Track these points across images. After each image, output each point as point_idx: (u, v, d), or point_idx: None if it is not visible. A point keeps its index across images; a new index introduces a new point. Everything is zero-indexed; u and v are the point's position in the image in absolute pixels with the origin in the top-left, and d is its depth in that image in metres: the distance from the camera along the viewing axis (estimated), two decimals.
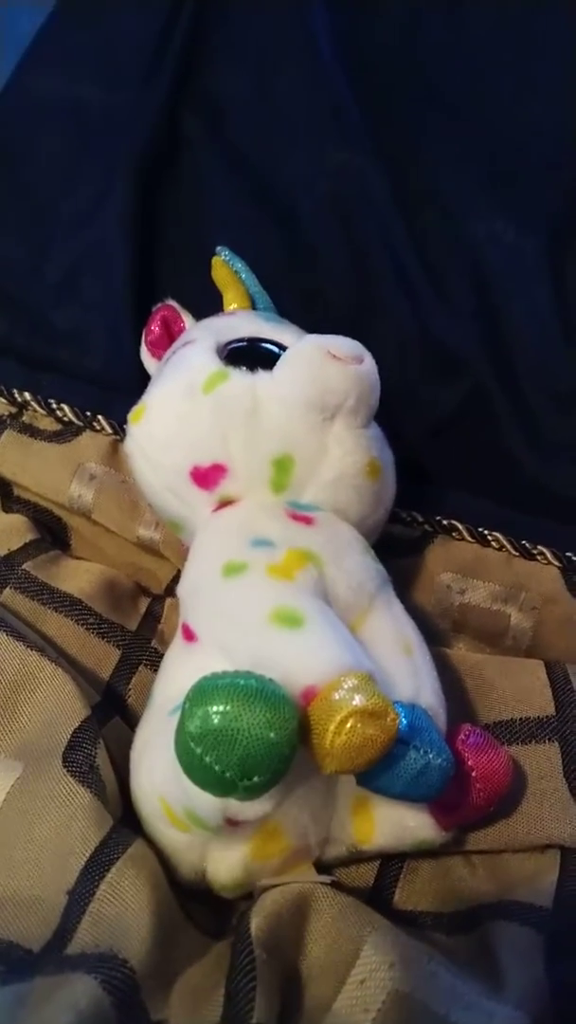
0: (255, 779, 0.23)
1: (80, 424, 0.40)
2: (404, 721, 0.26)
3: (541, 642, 0.38)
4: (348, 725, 0.24)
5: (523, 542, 0.38)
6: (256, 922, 0.25)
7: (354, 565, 0.31)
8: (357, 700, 0.24)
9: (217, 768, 0.23)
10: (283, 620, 0.26)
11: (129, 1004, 0.23)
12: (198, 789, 0.24)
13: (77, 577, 0.37)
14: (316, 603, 0.27)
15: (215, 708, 0.23)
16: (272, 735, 0.23)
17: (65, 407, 0.41)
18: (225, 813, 0.24)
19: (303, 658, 0.25)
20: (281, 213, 0.42)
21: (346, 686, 0.24)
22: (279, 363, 0.32)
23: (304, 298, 0.41)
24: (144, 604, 0.39)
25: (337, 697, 0.24)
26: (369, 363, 0.31)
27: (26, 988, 0.22)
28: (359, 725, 0.24)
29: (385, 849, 0.30)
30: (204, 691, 0.23)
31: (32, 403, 0.41)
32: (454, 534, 0.39)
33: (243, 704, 0.23)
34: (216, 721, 0.23)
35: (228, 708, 0.23)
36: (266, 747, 0.23)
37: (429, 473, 0.40)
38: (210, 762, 0.23)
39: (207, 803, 0.24)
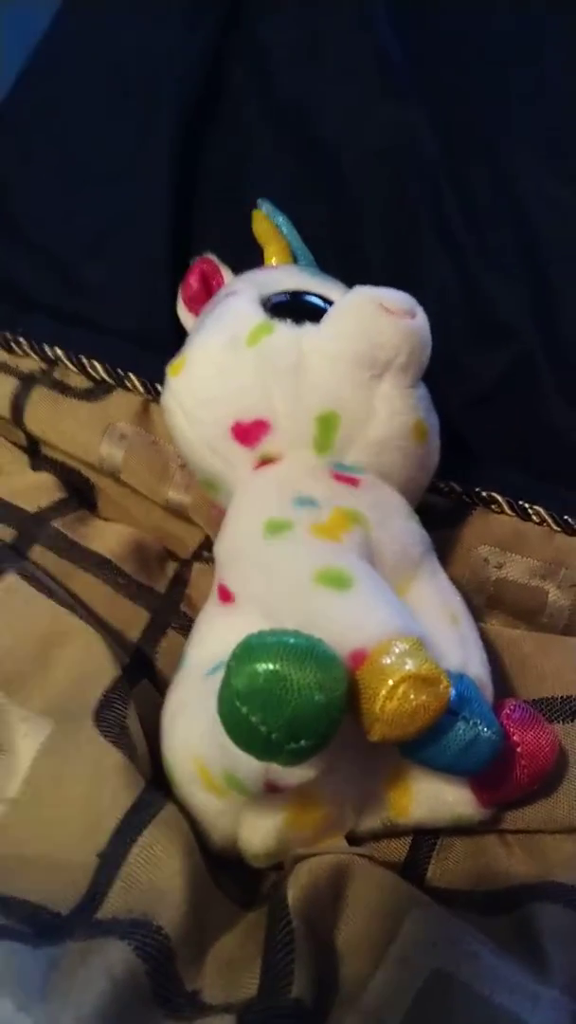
0: (302, 742, 0.22)
1: (112, 382, 0.39)
2: (453, 691, 0.25)
3: None
4: (400, 691, 0.23)
5: (565, 517, 0.37)
6: (293, 892, 0.24)
7: (400, 529, 0.30)
8: (409, 665, 0.23)
9: (263, 729, 0.22)
10: (330, 581, 0.25)
11: (164, 972, 0.22)
12: (240, 751, 0.23)
13: (106, 537, 0.36)
14: (364, 565, 0.26)
15: (263, 666, 0.22)
16: (323, 697, 0.22)
17: (97, 364, 0.39)
18: (267, 777, 0.23)
19: (352, 620, 0.24)
20: (325, 166, 0.41)
21: (397, 650, 0.23)
22: (327, 316, 0.31)
23: (346, 255, 0.40)
24: (172, 568, 0.38)
25: (388, 662, 0.23)
26: (421, 318, 0.30)
27: (58, 952, 0.21)
28: (411, 691, 0.23)
29: (422, 824, 0.29)
30: (252, 648, 0.22)
31: (63, 359, 0.40)
32: (493, 507, 0.38)
33: (293, 663, 0.22)
34: (264, 680, 0.21)
35: (278, 667, 0.21)
36: (316, 709, 0.21)
37: (468, 443, 0.39)
38: (256, 722, 0.22)
39: (248, 766, 0.23)
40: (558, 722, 0.32)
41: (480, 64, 0.42)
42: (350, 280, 0.34)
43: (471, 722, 0.25)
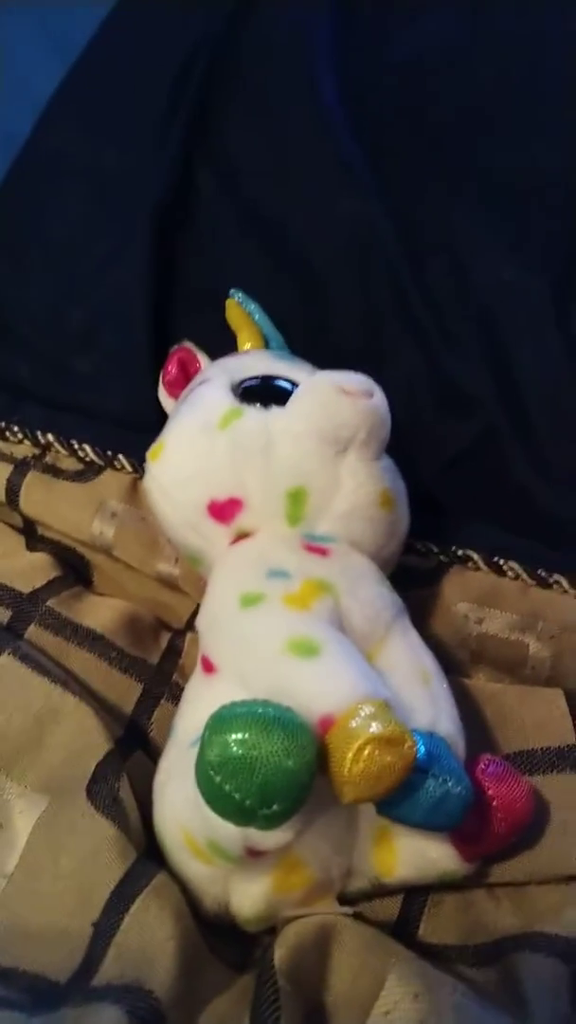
0: (274, 807, 0.23)
1: (101, 463, 0.41)
2: (422, 749, 0.26)
3: (560, 671, 0.38)
4: (365, 753, 0.24)
5: (539, 571, 0.38)
6: (279, 953, 0.25)
7: (369, 595, 0.31)
8: (374, 727, 0.24)
9: (237, 796, 0.23)
10: (299, 649, 0.27)
11: None
12: (219, 819, 0.24)
13: (99, 613, 0.38)
14: (332, 632, 0.28)
15: (234, 736, 0.23)
16: (290, 763, 0.23)
17: (87, 447, 0.42)
18: (246, 843, 0.25)
19: (319, 687, 0.26)
20: (294, 261, 0.44)
21: (363, 714, 0.25)
22: (292, 399, 0.33)
23: (315, 339, 0.42)
24: (165, 639, 0.39)
25: (354, 725, 0.24)
26: (379, 397, 0.32)
27: (53, 1019, 0.22)
28: (376, 752, 0.24)
29: (408, 881, 0.30)
30: (223, 720, 0.24)
31: (55, 444, 0.42)
32: (469, 564, 0.39)
33: (261, 732, 0.23)
34: (235, 749, 0.23)
35: (246, 736, 0.23)
36: (284, 775, 0.23)
37: (443, 505, 0.41)
38: (230, 790, 0.23)
39: (228, 833, 0.24)
40: (538, 774, 0.33)
41: (435, 151, 0.46)
42: (320, 362, 0.37)
43: (440, 779, 0.26)
